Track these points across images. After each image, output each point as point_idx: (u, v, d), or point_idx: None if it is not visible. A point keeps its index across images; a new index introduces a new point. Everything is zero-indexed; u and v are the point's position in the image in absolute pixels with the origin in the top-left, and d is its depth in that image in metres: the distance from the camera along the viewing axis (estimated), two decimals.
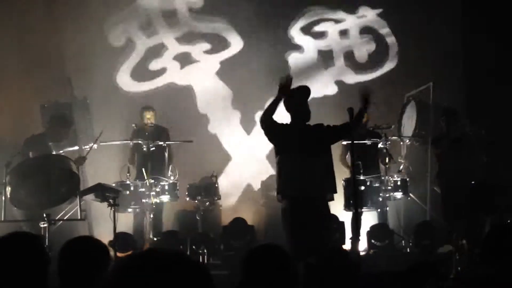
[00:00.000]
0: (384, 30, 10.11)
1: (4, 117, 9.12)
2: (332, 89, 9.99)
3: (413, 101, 9.15)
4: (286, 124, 6.07)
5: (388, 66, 10.06)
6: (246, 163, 9.84)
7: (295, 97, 5.99)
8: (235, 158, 9.92)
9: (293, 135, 5.89)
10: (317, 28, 10.09)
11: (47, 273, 2.73)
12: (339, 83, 10.04)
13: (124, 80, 9.67)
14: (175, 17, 9.86)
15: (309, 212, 5.73)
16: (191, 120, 9.70)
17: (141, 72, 9.71)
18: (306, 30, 10.06)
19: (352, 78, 10.06)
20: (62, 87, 8.65)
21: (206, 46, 9.86)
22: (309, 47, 10.07)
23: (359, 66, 10.07)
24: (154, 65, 9.77)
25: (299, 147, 5.85)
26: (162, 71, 9.79)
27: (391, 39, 10.09)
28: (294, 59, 9.98)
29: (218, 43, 9.87)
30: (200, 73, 9.86)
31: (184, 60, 9.85)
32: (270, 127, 5.96)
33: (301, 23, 10.06)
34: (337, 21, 10.13)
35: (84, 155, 7.70)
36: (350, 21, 10.11)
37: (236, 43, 9.90)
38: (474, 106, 9.20)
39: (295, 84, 6.07)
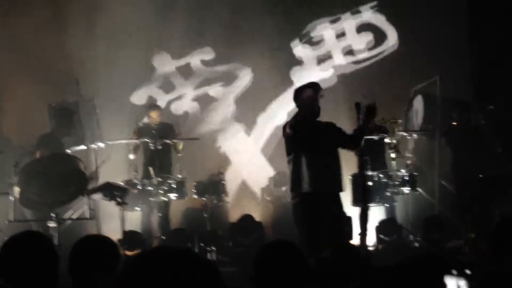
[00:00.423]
0: (382, 21, 10.14)
1: (11, 117, 9.15)
2: (331, 81, 10.02)
3: (420, 95, 9.13)
4: (299, 121, 6.05)
5: (390, 44, 10.06)
6: (251, 160, 9.88)
7: (307, 94, 5.99)
8: (240, 155, 9.94)
9: (307, 132, 5.92)
10: (314, 34, 10.16)
11: (57, 272, 2.74)
12: (338, 76, 10.09)
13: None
14: (191, 70, 10.10)
15: (321, 208, 5.78)
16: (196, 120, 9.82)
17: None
18: (304, 38, 10.17)
19: (351, 67, 10.12)
20: (69, 87, 8.67)
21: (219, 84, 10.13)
22: (309, 58, 10.15)
23: (358, 58, 10.12)
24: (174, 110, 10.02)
25: (312, 146, 5.89)
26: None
27: (389, 27, 10.10)
28: (297, 75, 10.04)
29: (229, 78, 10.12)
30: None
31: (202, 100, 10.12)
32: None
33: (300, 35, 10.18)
34: (333, 21, 10.17)
35: (94, 172, 7.67)
36: (347, 21, 10.17)
37: (245, 75, 10.09)
38: (482, 99, 9.15)
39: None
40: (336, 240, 5.68)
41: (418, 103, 9.11)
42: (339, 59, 10.16)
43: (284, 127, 6.13)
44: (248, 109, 9.93)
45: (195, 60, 10.10)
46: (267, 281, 2.66)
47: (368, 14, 10.16)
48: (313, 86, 6.08)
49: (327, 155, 5.94)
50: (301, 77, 9.73)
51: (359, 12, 10.17)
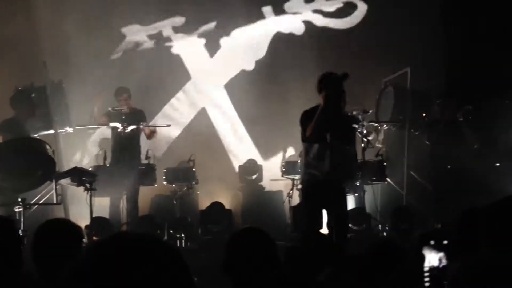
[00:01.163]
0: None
1: None
2: (299, 28, 10.05)
3: (390, 86, 9.18)
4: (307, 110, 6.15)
5: (357, 17, 10.12)
6: (227, 146, 9.90)
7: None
8: (213, 142, 9.93)
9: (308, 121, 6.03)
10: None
11: (21, 256, 2.69)
12: (307, 23, 10.16)
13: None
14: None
15: (325, 192, 5.97)
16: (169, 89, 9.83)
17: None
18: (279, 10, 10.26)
19: (321, 21, 10.18)
20: (37, 70, 8.52)
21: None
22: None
23: (326, 14, 10.23)
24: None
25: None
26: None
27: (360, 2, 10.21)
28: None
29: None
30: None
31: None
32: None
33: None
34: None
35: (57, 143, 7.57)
36: None
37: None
38: (452, 91, 9.23)
39: None
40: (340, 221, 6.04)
41: (389, 94, 9.16)
42: (307, 14, 10.25)
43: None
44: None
45: (167, 29, 10.09)
46: (238, 267, 2.66)
47: None
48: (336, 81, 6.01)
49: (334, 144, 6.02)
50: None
51: None
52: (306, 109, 6.16)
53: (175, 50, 10.17)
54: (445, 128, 8.08)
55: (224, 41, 10.15)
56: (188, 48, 10.14)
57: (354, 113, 8.19)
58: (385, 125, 8.94)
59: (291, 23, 10.15)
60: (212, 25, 10.08)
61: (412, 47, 9.65)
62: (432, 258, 2.54)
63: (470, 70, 9.11)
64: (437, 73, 9.67)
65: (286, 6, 10.25)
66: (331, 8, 10.21)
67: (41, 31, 9.16)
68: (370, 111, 8.70)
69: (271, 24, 10.14)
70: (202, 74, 10.12)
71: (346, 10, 10.22)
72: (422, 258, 2.54)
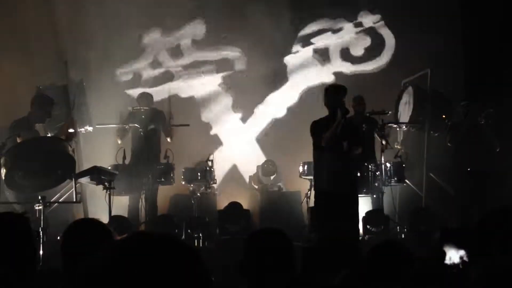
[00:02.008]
0: (378, 23, 10.14)
1: None
2: (329, 78, 10.02)
3: (410, 87, 9.13)
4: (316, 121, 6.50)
5: (386, 56, 10.09)
6: (241, 147, 9.90)
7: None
8: (229, 143, 9.94)
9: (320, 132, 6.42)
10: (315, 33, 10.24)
11: (36, 253, 2.72)
12: (336, 74, 10.09)
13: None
14: (179, 50, 10.14)
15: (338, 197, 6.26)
16: (188, 105, 9.77)
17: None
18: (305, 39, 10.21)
19: (350, 68, 10.10)
20: (58, 70, 8.59)
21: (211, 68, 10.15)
22: (305, 47, 10.18)
23: (355, 60, 10.12)
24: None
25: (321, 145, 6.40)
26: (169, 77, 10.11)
27: (385, 31, 10.11)
28: (291, 57, 10.11)
29: (223, 64, 10.13)
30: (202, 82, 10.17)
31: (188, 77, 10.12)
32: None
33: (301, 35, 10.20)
34: (335, 31, 10.20)
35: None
36: (346, 27, 10.23)
37: (240, 62, 10.09)
38: (473, 92, 9.15)
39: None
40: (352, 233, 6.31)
41: (408, 95, 9.11)
42: (336, 62, 10.19)
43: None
44: (243, 96, 9.93)
45: (186, 40, 10.11)
46: (255, 267, 2.66)
47: (366, 18, 10.18)
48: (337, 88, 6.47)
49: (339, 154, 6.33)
50: (298, 73, 9.89)
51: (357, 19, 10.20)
52: (316, 120, 6.51)
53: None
54: (467, 130, 7.99)
55: None
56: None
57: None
58: (404, 126, 8.89)
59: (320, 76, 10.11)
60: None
61: (432, 48, 9.59)
62: (453, 256, 2.50)
63: (489, 71, 9.03)
64: (457, 74, 9.59)
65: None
66: (359, 51, 10.16)
67: (63, 31, 9.23)
68: (389, 112, 8.67)
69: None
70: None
71: (374, 50, 10.15)
72: (441, 255, 2.51)
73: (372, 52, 10.11)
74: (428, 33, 9.66)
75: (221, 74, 10.13)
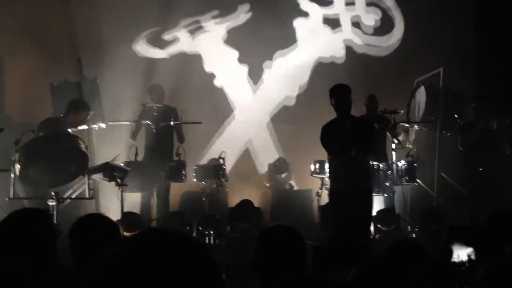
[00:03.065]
0: (390, 4, 10.16)
1: (13, 95, 9.14)
2: (340, 52, 10.03)
3: (422, 86, 9.09)
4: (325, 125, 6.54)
5: (396, 37, 10.08)
6: (255, 145, 9.92)
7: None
8: (243, 140, 9.97)
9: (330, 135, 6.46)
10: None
11: (55, 248, 2.76)
12: (347, 49, 10.12)
13: (140, 47, 9.92)
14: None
15: (351, 198, 6.28)
16: (200, 95, 9.84)
17: (155, 41, 9.96)
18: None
19: (361, 39, 10.14)
20: (72, 67, 8.66)
21: (215, 13, 10.10)
22: (315, 13, 10.20)
23: (367, 29, 10.21)
24: (167, 36, 10.01)
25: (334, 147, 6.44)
26: (174, 41, 10.03)
27: (397, 14, 10.11)
28: (299, 24, 10.13)
29: (227, 10, 10.08)
30: (209, 41, 10.11)
31: (195, 29, 10.06)
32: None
33: None
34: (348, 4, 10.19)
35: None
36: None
37: (243, 11, 10.06)
38: (486, 92, 9.10)
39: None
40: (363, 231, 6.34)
41: (421, 94, 9.08)
42: (347, 30, 10.19)
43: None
44: (252, 57, 9.96)
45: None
46: (267, 264, 2.68)
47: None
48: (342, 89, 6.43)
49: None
50: (306, 34, 9.95)
51: None
52: (325, 125, 6.54)
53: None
54: (480, 135, 7.90)
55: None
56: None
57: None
58: (416, 126, 8.87)
59: (331, 44, 10.11)
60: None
61: (445, 47, 9.57)
62: (461, 253, 2.50)
63: (503, 71, 8.98)
64: (470, 73, 9.56)
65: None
66: (370, 21, 10.16)
67: (76, 29, 9.29)
68: (401, 112, 8.65)
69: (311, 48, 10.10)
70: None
71: (384, 28, 10.16)
72: (449, 253, 2.51)
73: (382, 29, 10.14)
74: (441, 32, 9.65)
75: (226, 28, 10.10)
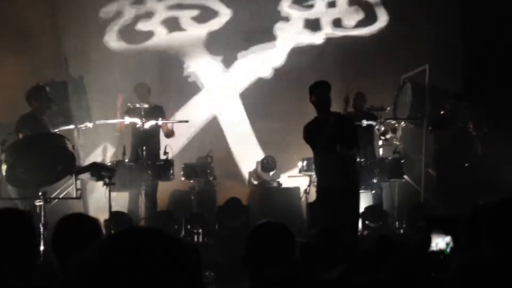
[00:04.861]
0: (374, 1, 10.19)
1: None
2: (319, 39, 10.11)
3: (408, 83, 9.14)
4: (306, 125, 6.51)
5: (378, 26, 10.12)
6: (241, 143, 9.91)
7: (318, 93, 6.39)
8: (229, 139, 9.96)
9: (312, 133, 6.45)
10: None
11: (37, 249, 2.75)
12: (330, 40, 10.18)
13: (112, 42, 9.82)
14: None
15: (338, 195, 6.29)
16: (183, 90, 9.85)
17: (128, 34, 9.86)
18: (296, 3, 10.19)
19: (342, 33, 10.20)
20: (58, 67, 8.62)
21: (195, 13, 10.02)
22: (296, 17, 10.18)
23: (347, 28, 10.23)
24: (142, 27, 9.92)
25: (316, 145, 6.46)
26: (149, 34, 9.91)
27: (381, 10, 10.12)
28: (280, 28, 10.12)
29: (206, 13, 10.01)
30: (188, 41, 10.04)
31: (172, 26, 9.98)
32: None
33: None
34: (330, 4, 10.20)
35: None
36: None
37: (224, 14, 10.02)
38: (471, 89, 9.17)
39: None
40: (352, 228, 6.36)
41: (407, 90, 9.13)
42: (328, 29, 10.19)
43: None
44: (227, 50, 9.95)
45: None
46: (258, 260, 2.69)
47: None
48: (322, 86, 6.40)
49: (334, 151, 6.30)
50: (286, 35, 9.96)
51: None
52: (306, 124, 6.52)
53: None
54: (455, 135, 8.03)
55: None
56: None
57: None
58: (403, 122, 8.92)
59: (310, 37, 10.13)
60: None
61: (431, 44, 9.61)
62: (439, 241, 2.53)
63: (487, 68, 9.05)
64: (455, 70, 9.62)
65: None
66: (351, 21, 10.18)
67: (62, 28, 9.25)
68: (388, 108, 8.70)
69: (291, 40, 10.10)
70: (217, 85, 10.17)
71: (366, 21, 10.17)
72: (427, 241, 2.53)
73: (364, 22, 10.16)
74: (427, 28, 9.69)
75: (206, 29, 10.05)
